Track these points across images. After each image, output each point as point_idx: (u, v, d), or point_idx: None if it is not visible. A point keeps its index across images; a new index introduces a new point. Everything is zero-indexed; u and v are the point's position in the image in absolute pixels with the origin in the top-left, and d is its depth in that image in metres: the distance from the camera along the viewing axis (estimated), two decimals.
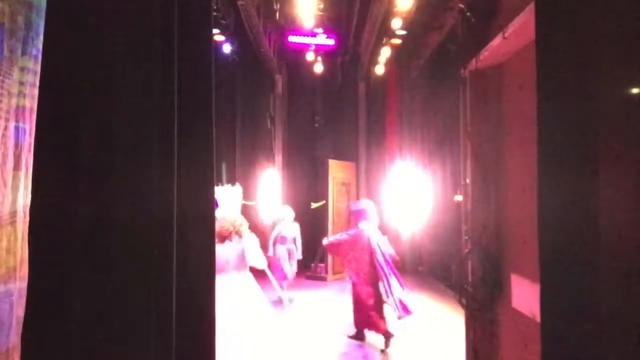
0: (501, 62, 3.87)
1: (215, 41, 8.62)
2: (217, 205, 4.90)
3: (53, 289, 2.08)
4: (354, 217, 6.33)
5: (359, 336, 6.08)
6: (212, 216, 2.45)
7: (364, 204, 6.44)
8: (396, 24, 8.27)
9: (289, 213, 8.26)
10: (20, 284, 3.01)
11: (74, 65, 2.14)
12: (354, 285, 6.01)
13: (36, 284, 2.09)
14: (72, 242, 2.09)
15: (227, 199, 5.14)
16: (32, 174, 2.15)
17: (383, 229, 10.02)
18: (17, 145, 3.06)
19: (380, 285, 5.83)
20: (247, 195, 7.25)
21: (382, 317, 5.84)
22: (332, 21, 10.27)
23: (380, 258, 5.87)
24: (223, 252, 4.82)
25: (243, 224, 5.05)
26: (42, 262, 2.09)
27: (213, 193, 2.44)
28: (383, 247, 6.03)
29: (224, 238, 4.89)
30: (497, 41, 3.51)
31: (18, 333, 2.86)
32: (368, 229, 6.05)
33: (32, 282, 2.09)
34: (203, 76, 2.43)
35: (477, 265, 4.00)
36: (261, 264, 5.03)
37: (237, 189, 5.31)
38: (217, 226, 4.75)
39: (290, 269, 8.09)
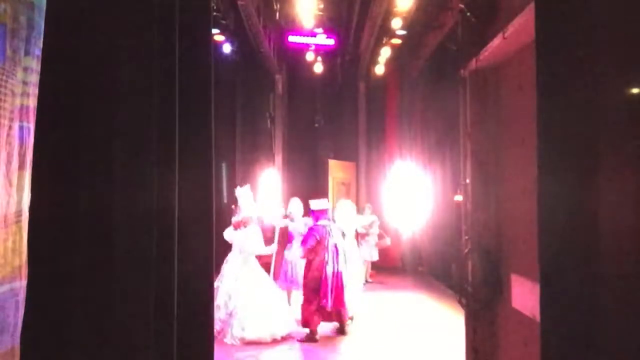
0: (501, 62, 3.87)
1: (215, 41, 8.62)
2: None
3: (53, 289, 2.08)
4: (314, 215, 6.54)
5: (311, 337, 6.00)
6: (212, 215, 2.45)
7: (325, 204, 6.73)
8: (396, 24, 8.27)
9: (297, 207, 7.44)
10: (25, 284, 3.01)
11: (74, 65, 2.14)
12: (310, 279, 6.13)
13: (36, 284, 2.09)
14: (72, 242, 2.09)
15: (242, 197, 6.64)
16: (32, 174, 2.15)
17: (383, 229, 10.08)
18: (22, 145, 3.06)
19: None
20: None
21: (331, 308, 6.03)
22: (332, 21, 10.26)
23: (333, 261, 6.13)
24: (235, 237, 6.32)
25: (251, 217, 6.48)
26: (42, 262, 2.09)
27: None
28: (339, 248, 6.30)
29: (235, 227, 6.37)
30: (497, 41, 3.51)
31: None
32: (328, 226, 6.38)
33: (32, 282, 2.09)
34: (203, 76, 2.44)
35: (477, 265, 3.99)
36: (257, 251, 6.34)
37: (246, 188, 6.80)
38: (235, 218, 6.50)
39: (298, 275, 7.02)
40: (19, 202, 3.02)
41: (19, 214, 3.02)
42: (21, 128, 3.06)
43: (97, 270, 2.09)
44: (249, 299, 5.92)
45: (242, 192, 6.75)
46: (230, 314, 5.82)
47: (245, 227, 6.37)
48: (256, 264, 6.36)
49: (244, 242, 6.26)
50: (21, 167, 3.05)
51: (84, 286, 2.08)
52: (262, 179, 9.17)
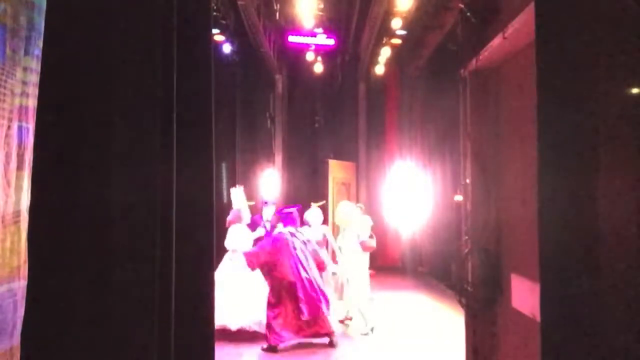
0: (501, 62, 3.87)
1: (215, 41, 8.62)
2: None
3: (53, 289, 2.08)
4: (283, 221, 6.23)
5: (272, 347, 5.64)
6: (211, 215, 2.45)
7: (293, 209, 6.44)
8: (396, 24, 8.27)
9: (315, 215, 7.10)
10: (24, 284, 3.00)
11: (74, 65, 2.14)
12: (277, 289, 5.76)
13: (36, 284, 2.09)
14: (72, 242, 2.09)
15: (236, 197, 7.06)
16: (32, 173, 2.15)
17: (383, 229, 10.08)
18: (21, 145, 3.06)
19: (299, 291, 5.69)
20: (247, 195, 7.43)
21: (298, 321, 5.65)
22: (332, 21, 10.26)
23: (302, 267, 5.77)
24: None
25: (241, 216, 6.71)
26: (42, 262, 2.09)
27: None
28: (308, 255, 5.96)
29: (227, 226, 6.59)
30: (497, 41, 3.51)
31: None
32: (291, 233, 6.02)
33: (32, 282, 2.09)
34: (203, 76, 2.44)
35: (477, 265, 3.99)
36: (231, 246, 6.41)
37: (240, 189, 7.21)
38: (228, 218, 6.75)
39: None
40: (17, 202, 3.02)
41: (17, 214, 3.01)
42: (20, 128, 3.06)
43: (96, 271, 2.09)
44: (231, 289, 5.95)
45: (235, 193, 7.15)
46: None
47: (229, 225, 6.57)
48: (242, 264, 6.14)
49: (229, 239, 6.47)
50: (20, 167, 3.04)
51: (84, 286, 2.08)
52: (262, 179, 9.21)
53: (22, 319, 2.10)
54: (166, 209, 2.20)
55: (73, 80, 2.14)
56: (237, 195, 7.09)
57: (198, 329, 2.40)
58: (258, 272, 5.97)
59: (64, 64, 2.14)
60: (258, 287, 6.08)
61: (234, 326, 5.90)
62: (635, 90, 2.23)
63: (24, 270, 3.00)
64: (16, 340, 2.90)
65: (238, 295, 6.00)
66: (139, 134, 2.16)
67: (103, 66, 2.16)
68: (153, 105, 2.18)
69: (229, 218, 6.69)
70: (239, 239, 6.46)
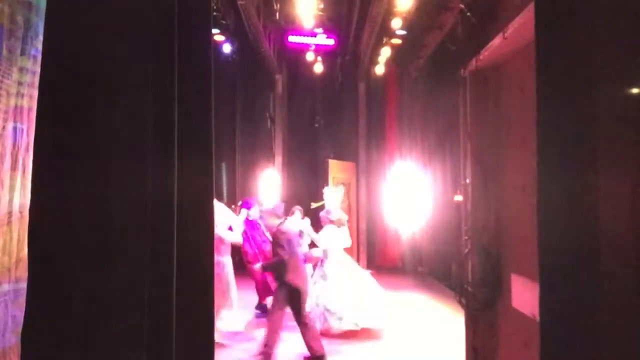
0: (501, 62, 3.87)
1: (215, 41, 8.62)
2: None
3: (53, 289, 2.08)
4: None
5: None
6: (212, 215, 2.45)
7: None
8: (396, 24, 8.26)
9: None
10: (15, 285, 2.99)
11: (73, 65, 2.14)
12: None
13: (36, 284, 2.09)
14: (72, 242, 2.09)
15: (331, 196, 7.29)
16: (32, 174, 2.14)
17: (383, 229, 10.03)
18: (15, 146, 3.05)
19: None
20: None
21: None
22: (332, 21, 10.25)
23: None
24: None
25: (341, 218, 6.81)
26: (42, 262, 2.09)
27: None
28: None
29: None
30: (497, 41, 3.51)
31: (15, 333, 2.84)
32: None
33: (32, 282, 2.09)
34: (203, 76, 2.44)
35: (477, 265, 4.00)
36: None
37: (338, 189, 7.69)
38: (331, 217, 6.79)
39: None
40: (10, 202, 3.01)
41: (9, 215, 3.00)
42: (15, 129, 3.05)
43: (97, 270, 2.09)
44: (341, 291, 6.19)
45: (329, 192, 7.36)
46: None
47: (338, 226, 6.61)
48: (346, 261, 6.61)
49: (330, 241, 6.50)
50: (13, 167, 3.03)
51: (84, 287, 2.08)
52: (262, 179, 9.16)
53: (15, 319, 2.10)
54: (166, 208, 2.19)
55: (73, 80, 2.14)
56: (332, 195, 7.11)
57: (199, 327, 2.40)
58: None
59: (64, 64, 2.14)
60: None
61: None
62: (635, 90, 2.23)
63: (17, 271, 3.00)
64: (8, 341, 2.88)
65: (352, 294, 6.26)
66: (139, 134, 2.16)
67: (103, 66, 2.16)
68: (153, 105, 2.17)
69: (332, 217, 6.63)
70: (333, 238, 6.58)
